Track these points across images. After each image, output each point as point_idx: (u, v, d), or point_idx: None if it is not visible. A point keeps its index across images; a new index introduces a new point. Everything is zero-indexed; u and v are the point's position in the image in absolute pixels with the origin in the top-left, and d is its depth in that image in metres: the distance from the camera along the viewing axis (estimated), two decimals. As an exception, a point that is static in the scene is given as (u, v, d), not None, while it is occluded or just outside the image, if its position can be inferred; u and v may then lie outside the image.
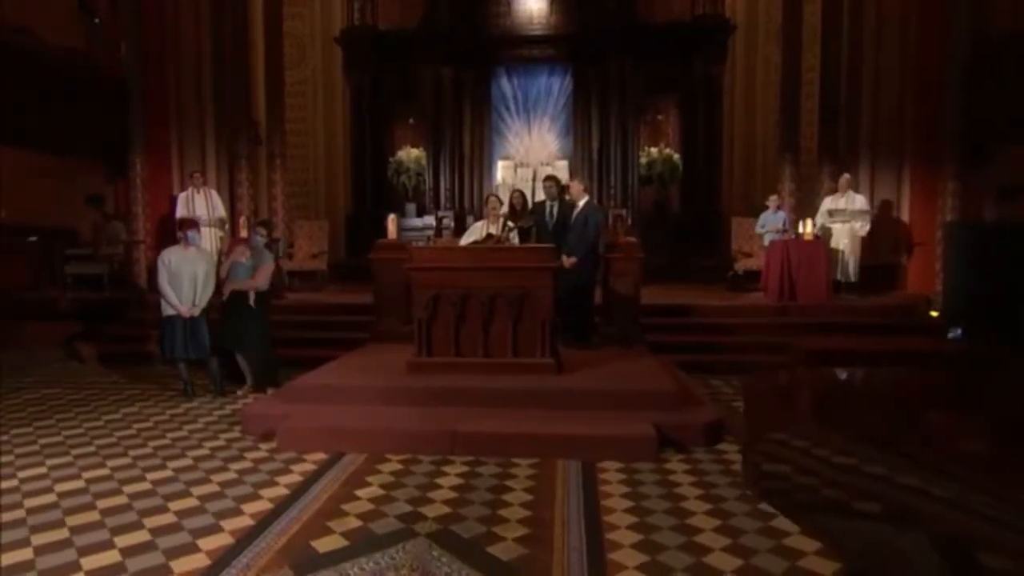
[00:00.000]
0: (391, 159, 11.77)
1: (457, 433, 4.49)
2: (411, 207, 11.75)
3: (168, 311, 5.89)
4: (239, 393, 6.13)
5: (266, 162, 10.01)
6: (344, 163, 12.22)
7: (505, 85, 11.86)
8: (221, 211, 8.56)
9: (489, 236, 6.24)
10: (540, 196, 7.07)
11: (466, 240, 6.34)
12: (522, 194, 7.23)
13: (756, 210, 11.05)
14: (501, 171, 11.67)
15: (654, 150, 11.33)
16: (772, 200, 8.80)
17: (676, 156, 11.25)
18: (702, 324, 7.55)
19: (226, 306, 5.99)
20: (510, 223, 6.36)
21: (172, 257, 5.91)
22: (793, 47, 9.19)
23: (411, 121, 11.93)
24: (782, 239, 8.22)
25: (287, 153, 10.80)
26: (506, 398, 5.01)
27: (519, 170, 11.51)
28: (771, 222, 8.67)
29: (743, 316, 7.67)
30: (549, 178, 7.07)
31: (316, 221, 10.42)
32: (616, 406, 4.91)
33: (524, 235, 6.40)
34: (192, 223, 6.19)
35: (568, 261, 6.28)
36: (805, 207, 9.07)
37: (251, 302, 5.89)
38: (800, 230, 7.96)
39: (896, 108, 8.63)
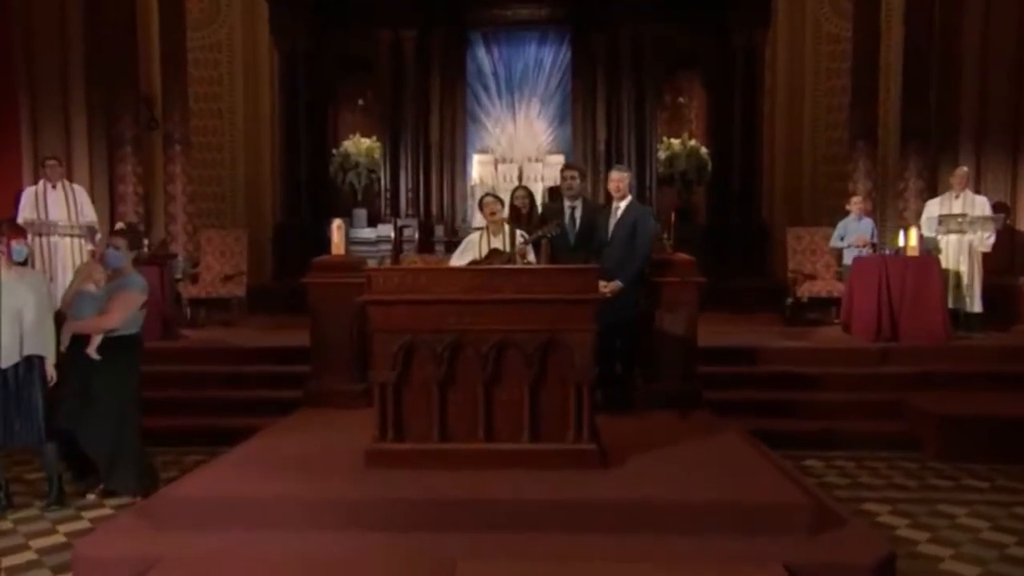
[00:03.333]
0: (335, 151, 10.32)
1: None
2: (360, 213, 10.25)
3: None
4: (89, 499, 4.38)
5: (162, 150, 8.29)
6: (272, 156, 10.57)
7: (483, 56, 10.54)
8: (89, 215, 6.82)
9: (494, 252, 4.86)
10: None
11: (459, 259, 4.96)
12: (528, 193, 5.72)
13: (803, 218, 10.01)
14: (477, 168, 10.37)
15: (676, 142, 10.17)
16: (855, 203, 7.48)
17: (704, 150, 10.12)
18: (773, 375, 6.20)
19: (66, 360, 4.24)
20: (523, 233, 4.90)
21: (-21, 283, 4.14)
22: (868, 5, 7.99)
23: (361, 102, 10.53)
24: (872, 256, 6.89)
25: (191, 140, 9.19)
26: (526, 516, 3.46)
27: (500, 167, 10.26)
28: (855, 232, 7.33)
29: (828, 363, 6.34)
30: (570, 168, 5.60)
31: (231, 231, 8.75)
32: (710, 529, 3.39)
33: (536, 248, 4.99)
34: (18, 230, 4.43)
35: (609, 288, 4.83)
36: (886, 212, 7.81)
37: (92, 352, 4.16)
38: (900, 243, 6.61)
39: (1012, 84, 7.43)
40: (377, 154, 10.13)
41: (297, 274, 8.68)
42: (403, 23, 9.68)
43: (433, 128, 10.09)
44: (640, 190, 9.70)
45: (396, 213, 9.91)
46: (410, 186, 9.94)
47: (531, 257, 4.94)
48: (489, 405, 4.00)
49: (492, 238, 5.04)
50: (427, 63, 9.96)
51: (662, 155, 10.12)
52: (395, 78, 9.85)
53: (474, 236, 5.20)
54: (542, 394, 4.02)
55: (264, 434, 4.75)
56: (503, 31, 10.45)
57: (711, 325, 7.32)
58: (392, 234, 9.56)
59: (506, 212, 5.34)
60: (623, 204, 5.31)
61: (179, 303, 7.76)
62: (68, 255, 6.78)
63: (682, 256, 5.70)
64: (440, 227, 9.91)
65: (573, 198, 5.47)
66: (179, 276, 7.83)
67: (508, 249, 4.89)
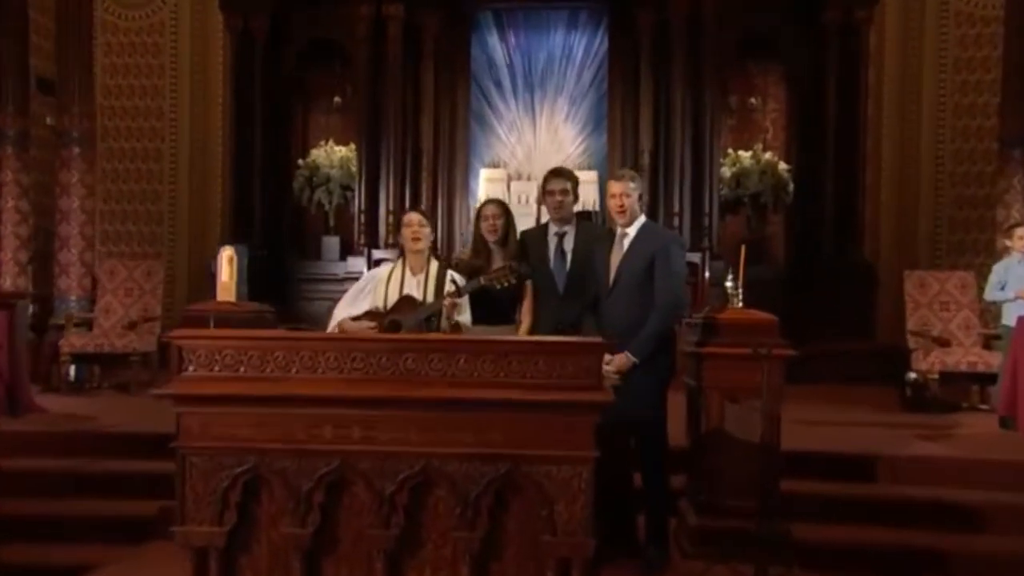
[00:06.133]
0: (301, 161, 9.21)
1: None
2: (331, 243, 9.20)
3: None
4: None
5: (54, 151, 7.19)
6: (222, 167, 9.45)
7: (494, 44, 9.51)
8: None
9: (405, 302, 3.69)
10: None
11: (350, 306, 3.84)
12: (503, 210, 4.28)
13: (920, 257, 8.88)
14: (485, 185, 9.28)
15: (745, 155, 9.05)
16: (1020, 237, 5.88)
17: (783, 166, 9.00)
18: (904, 502, 4.56)
19: None
20: (454, 277, 3.80)
21: None
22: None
23: (337, 100, 9.47)
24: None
25: (123, 147, 8.44)
26: None
27: (515, 185, 9.32)
28: (1021, 279, 5.75)
29: (993, 483, 4.65)
30: (557, 175, 4.25)
31: (141, 263, 7.47)
32: None
33: (491, 297, 3.84)
34: None
35: (614, 365, 3.59)
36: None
37: None
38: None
39: None
40: (354, 167, 8.98)
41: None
42: None
43: (425, 134, 9.00)
44: (694, 218, 8.60)
45: (372, 243, 8.70)
46: (391, 208, 8.73)
47: (464, 318, 3.68)
48: (394, 595, 2.44)
49: (409, 277, 3.77)
50: (418, 49, 8.92)
51: (727, 172, 8.96)
52: (377, 68, 8.80)
53: (383, 271, 3.94)
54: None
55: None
56: (521, 11, 9.48)
57: (792, 410, 5.97)
58: (364, 269, 8.24)
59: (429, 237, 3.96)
60: (632, 229, 3.87)
61: (56, 359, 6.44)
62: None
63: (756, 314, 4.21)
64: (454, 261, 8.69)
65: (562, 221, 4.12)
66: (60, 322, 6.53)
67: (429, 298, 3.66)
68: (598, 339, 2.68)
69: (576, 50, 9.45)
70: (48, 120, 7.53)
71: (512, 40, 9.49)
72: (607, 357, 3.66)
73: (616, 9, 9.08)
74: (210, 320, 3.68)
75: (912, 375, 6.71)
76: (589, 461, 2.45)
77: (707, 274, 8.13)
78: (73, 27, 7.35)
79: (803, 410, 6.11)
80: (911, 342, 6.92)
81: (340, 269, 8.67)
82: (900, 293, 7.37)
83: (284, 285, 8.71)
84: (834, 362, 7.77)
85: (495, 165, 9.46)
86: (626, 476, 3.98)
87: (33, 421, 5.29)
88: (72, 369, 6.61)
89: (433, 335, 3.28)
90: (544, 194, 4.18)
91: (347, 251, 8.90)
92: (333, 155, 9.10)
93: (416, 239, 3.83)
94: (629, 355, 3.64)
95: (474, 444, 2.45)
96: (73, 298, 7.07)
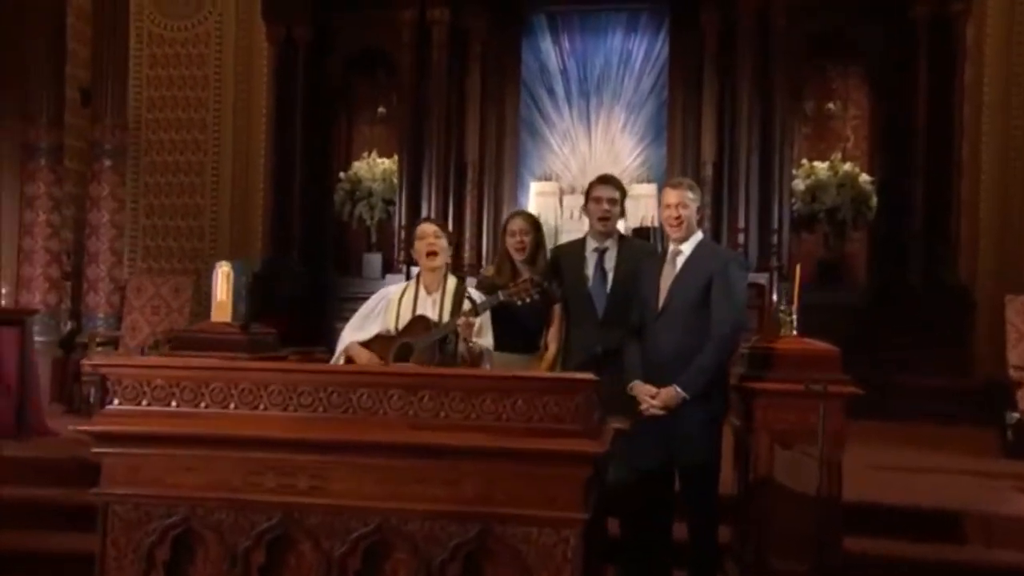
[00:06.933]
0: (343, 174, 9.17)
1: None
2: (373, 260, 9.05)
3: None
4: None
5: (82, 159, 7.24)
6: (265, 181, 9.49)
7: (547, 49, 9.33)
8: None
9: (418, 323, 3.47)
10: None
11: (358, 331, 3.63)
12: (533, 224, 3.98)
13: None
14: (536, 199, 9.08)
15: (821, 166, 8.63)
16: None
17: (865, 177, 8.54)
18: (1003, 570, 4.04)
19: None
20: (472, 295, 3.55)
21: None
22: None
23: (381, 110, 9.41)
24: None
25: (166, 160, 8.55)
26: None
27: (567, 199, 9.06)
28: None
29: None
30: (605, 182, 3.92)
31: (169, 279, 7.45)
32: None
33: (516, 319, 3.63)
34: None
35: (660, 399, 3.34)
36: None
37: None
38: None
39: None
40: (396, 179, 8.90)
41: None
42: (431, 1, 8.58)
43: (470, 144, 8.84)
44: (762, 235, 8.23)
45: (413, 260, 8.50)
46: (444, 224, 8.57)
47: (485, 341, 3.44)
48: None
49: (423, 296, 3.55)
50: (465, 56, 8.83)
51: (800, 185, 8.53)
52: (419, 76, 8.71)
53: (394, 290, 3.73)
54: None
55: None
56: (577, 14, 9.29)
57: (874, 452, 5.61)
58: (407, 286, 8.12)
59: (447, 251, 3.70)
60: (687, 246, 3.52)
61: (78, 380, 6.43)
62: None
63: (812, 344, 3.78)
64: (472, 281, 8.45)
65: (605, 235, 3.81)
66: (84, 340, 6.54)
67: (445, 319, 3.42)
68: (587, 378, 2.27)
69: (635, 55, 9.20)
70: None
71: (567, 45, 9.30)
72: (652, 390, 3.36)
73: (678, 9, 8.82)
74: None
75: (1014, 415, 6.13)
76: (577, 524, 2.09)
77: (775, 297, 7.64)
78: (109, 36, 7.47)
79: (881, 453, 5.68)
80: (1014, 376, 6.35)
81: (381, 287, 8.55)
82: (1000, 321, 6.84)
83: (323, 303, 8.64)
84: (922, 399, 7.33)
85: (547, 178, 9.27)
86: (667, 529, 3.62)
87: (32, 446, 5.20)
88: (93, 390, 6.59)
89: (396, 366, 2.98)
90: (589, 201, 3.85)
91: (388, 268, 8.79)
92: (375, 168, 9.03)
93: (432, 253, 3.58)
94: (678, 389, 3.32)
95: (440, 499, 2.12)
96: (101, 315, 7.10)
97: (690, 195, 3.56)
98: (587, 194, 3.90)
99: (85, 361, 6.35)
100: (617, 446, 3.70)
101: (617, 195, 3.83)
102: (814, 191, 8.44)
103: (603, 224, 3.77)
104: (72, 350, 7.14)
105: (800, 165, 8.59)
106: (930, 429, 6.65)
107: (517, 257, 3.85)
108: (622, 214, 4.01)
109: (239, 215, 9.68)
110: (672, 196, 3.54)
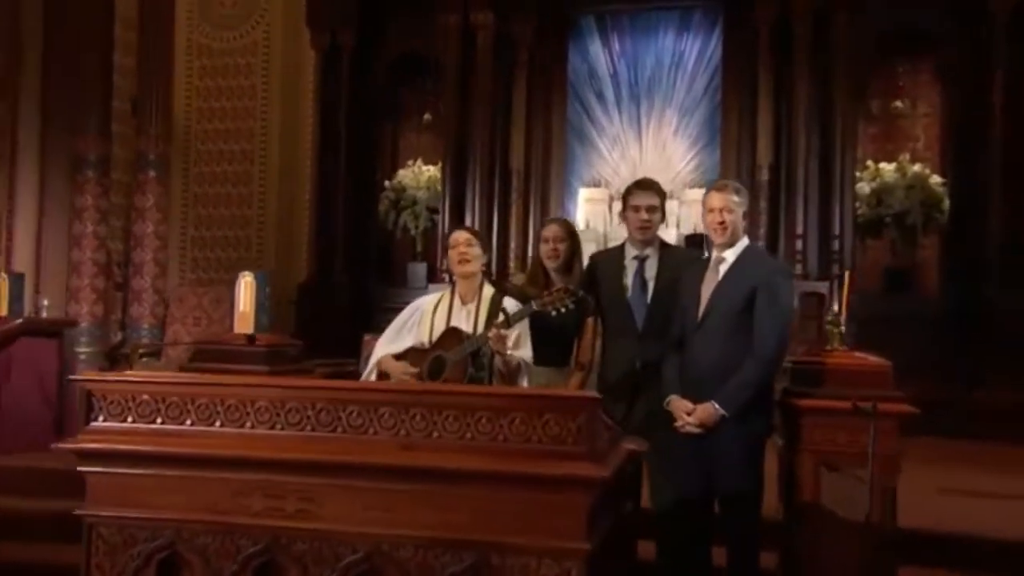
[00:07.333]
0: (388, 183, 9.23)
1: None
2: (417, 269, 9.07)
3: None
4: None
5: (126, 169, 7.38)
6: (310, 190, 9.61)
7: (596, 51, 9.28)
8: None
9: (451, 335, 3.37)
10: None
11: (391, 345, 3.56)
12: (568, 231, 3.82)
13: None
14: (584, 206, 9.06)
15: (888, 167, 8.31)
16: None
17: (936, 179, 8.22)
18: None
19: None
20: (507, 304, 3.39)
21: None
22: None
23: (427, 117, 9.44)
24: None
25: (213, 170, 8.72)
26: None
27: (617, 205, 8.76)
28: None
29: None
30: (643, 188, 3.72)
31: (211, 289, 7.56)
32: None
33: (552, 331, 3.50)
34: None
35: (697, 417, 3.20)
36: None
37: None
38: None
39: None
40: (440, 187, 8.90)
41: (322, 352, 7.41)
42: (476, 5, 8.52)
43: (516, 150, 8.78)
44: (822, 241, 7.94)
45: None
46: (479, 231, 8.49)
47: (522, 353, 3.28)
48: None
49: (458, 307, 3.44)
50: (510, 60, 8.79)
51: (865, 188, 8.22)
52: (463, 82, 8.70)
53: (428, 301, 3.60)
54: None
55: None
56: (626, 15, 9.20)
57: (940, 473, 5.37)
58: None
59: (481, 259, 3.55)
60: (731, 254, 3.32)
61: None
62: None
63: (861, 358, 3.55)
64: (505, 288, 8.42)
65: (645, 243, 3.60)
66: (128, 350, 6.67)
67: (479, 330, 3.29)
68: (590, 395, 2.13)
69: (687, 55, 9.05)
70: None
71: (616, 46, 9.21)
72: (688, 406, 3.20)
73: (732, 7, 8.62)
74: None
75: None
76: (580, 555, 1.95)
77: (835, 308, 7.37)
78: (152, 47, 7.62)
79: (948, 476, 5.39)
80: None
81: (432, 298, 8.55)
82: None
83: (368, 314, 8.65)
84: (998, 417, 6.89)
85: (596, 184, 9.16)
86: (706, 556, 3.44)
87: (45, 456, 5.27)
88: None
89: (385, 383, 2.87)
90: (626, 209, 3.66)
91: (433, 278, 8.76)
92: (420, 176, 9.08)
93: (464, 261, 3.47)
94: (716, 406, 3.15)
95: (433, 526, 2.01)
96: (145, 326, 7.21)
97: (736, 198, 3.36)
98: (624, 201, 3.71)
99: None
100: (654, 467, 3.57)
101: (657, 201, 3.63)
102: (880, 194, 8.15)
103: (642, 233, 3.58)
104: (117, 361, 7.30)
105: (865, 167, 8.30)
106: (1004, 450, 6.31)
107: (550, 265, 3.71)
108: (663, 220, 3.84)
109: (285, 225, 9.83)
110: (716, 200, 3.35)
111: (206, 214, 9.56)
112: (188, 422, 2.12)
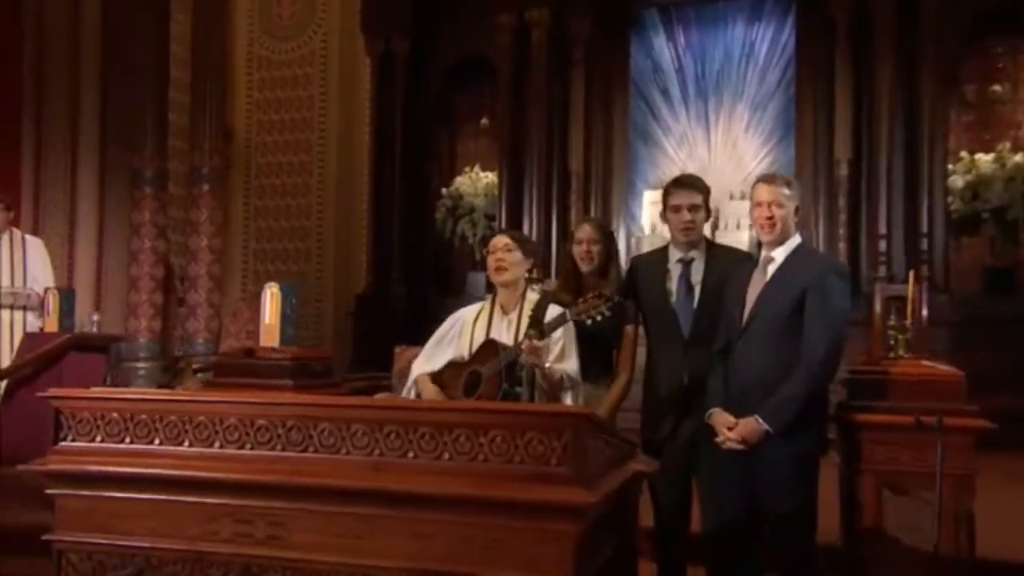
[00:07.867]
0: (444, 190, 9.23)
1: None
2: (477, 278, 8.91)
3: None
4: None
5: (179, 183, 7.55)
6: (367, 200, 9.68)
7: (660, 45, 9.11)
8: (43, 277, 6.00)
9: (488, 348, 3.19)
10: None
11: (430, 360, 3.39)
12: (602, 232, 3.60)
13: None
14: (650, 208, 8.78)
15: (985, 158, 7.91)
16: None
17: None
18: None
19: None
20: (550, 313, 3.26)
21: None
22: None
23: (484, 121, 9.41)
24: None
25: (273, 183, 8.68)
26: None
27: None
28: None
29: None
30: (684, 186, 3.51)
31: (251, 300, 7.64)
32: None
33: (592, 341, 3.32)
34: None
35: (738, 432, 3.00)
36: None
37: None
38: None
39: None
40: (498, 192, 8.85)
41: (380, 365, 7.41)
42: (530, 2, 8.45)
43: (575, 152, 8.65)
44: (908, 240, 7.52)
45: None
46: (539, 237, 8.43)
47: (565, 366, 3.14)
48: None
49: (498, 317, 3.28)
50: (567, 58, 8.66)
51: (958, 181, 7.79)
52: (518, 82, 8.60)
53: (469, 312, 3.43)
54: None
55: None
56: (692, 6, 8.96)
57: None
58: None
59: (521, 265, 3.34)
60: (780, 253, 3.10)
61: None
62: (6, 332, 5.91)
63: (929, 368, 3.29)
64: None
65: (690, 244, 3.38)
66: (182, 365, 6.78)
67: (516, 340, 3.12)
68: (586, 411, 1.96)
69: (759, 47, 8.78)
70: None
71: (682, 40, 9.00)
72: (730, 420, 2.98)
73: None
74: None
75: None
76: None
77: (924, 312, 6.91)
78: (205, 60, 7.76)
79: None
80: None
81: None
82: None
83: (425, 324, 8.62)
84: None
85: (661, 185, 8.81)
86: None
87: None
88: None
89: (360, 398, 2.73)
90: (666, 210, 3.44)
91: (492, 287, 8.66)
92: (478, 182, 9.04)
93: (500, 269, 3.26)
94: (760, 420, 2.92)
95: (409, 555, 1.88)
96: (200, 341, 7.31)
97: (786, 192, 3.12)
98: (664, 200, 3.47)
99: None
100: (702, 487, 3.34)
101: (699, 199, 3.39)
102: (976, 188, 7.71)
103: (686, 235, 3.34)
104: (175, 376, 7.43)
105: (959, 159, 7.86)
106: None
107: (583, 268, 3.51)
108: (708, 218, 3.59)
109: (343, 236, 9.89)
110: (764, 192, 3.11)
111: (267, 227, 9.72)
112: (156, 441, 2.05)
